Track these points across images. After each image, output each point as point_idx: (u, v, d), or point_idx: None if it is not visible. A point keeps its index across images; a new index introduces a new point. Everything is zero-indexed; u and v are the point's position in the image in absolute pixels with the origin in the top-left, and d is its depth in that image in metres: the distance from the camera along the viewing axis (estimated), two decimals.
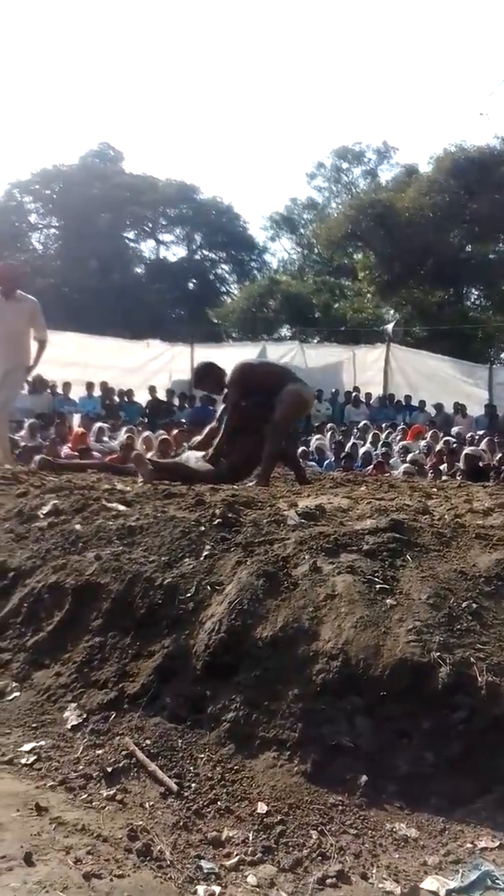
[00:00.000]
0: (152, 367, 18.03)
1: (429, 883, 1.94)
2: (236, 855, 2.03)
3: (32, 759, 2.43)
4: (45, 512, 3.85)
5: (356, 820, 2.18)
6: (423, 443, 12.46)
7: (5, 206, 35.50)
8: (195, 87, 67.95)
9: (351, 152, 35.44)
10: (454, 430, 13.83)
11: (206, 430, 6.35)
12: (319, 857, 2.04)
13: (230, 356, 12.37)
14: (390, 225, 26.28)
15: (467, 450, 10.35)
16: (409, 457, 10.75)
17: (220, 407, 6.18)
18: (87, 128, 72.38)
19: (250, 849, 2.06)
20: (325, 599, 2.71)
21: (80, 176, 35.36)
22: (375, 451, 11.57)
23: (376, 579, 2.79)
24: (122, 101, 70.52)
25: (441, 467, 10.33)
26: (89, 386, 15.43)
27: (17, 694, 2.86)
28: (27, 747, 2.50)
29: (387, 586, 2.76)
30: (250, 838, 2.10)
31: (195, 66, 72.11)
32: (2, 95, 65.90)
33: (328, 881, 1.94)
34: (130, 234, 38.48)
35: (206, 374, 6.19)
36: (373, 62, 65.05)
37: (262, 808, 2.21)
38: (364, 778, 2.28)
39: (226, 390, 5.90)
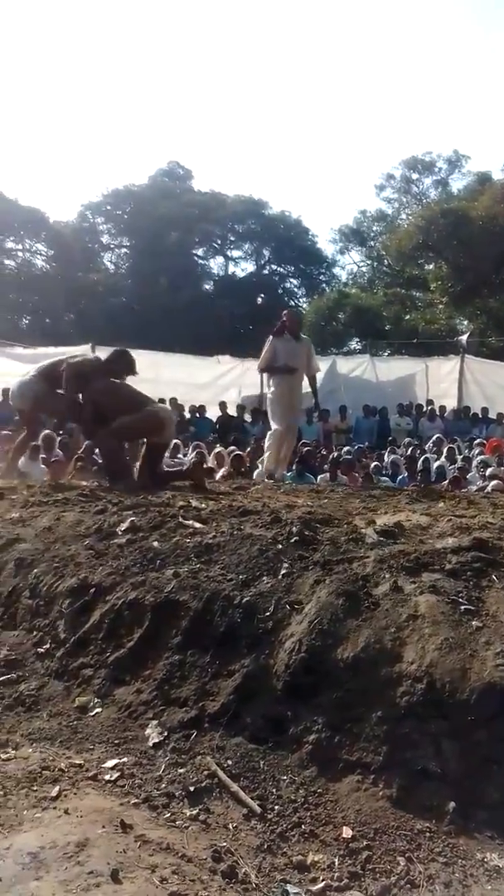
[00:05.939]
0: (222, 382, 18.11)
1: None
2: (322, 880, 2.00)
3: (116, 775, 2.45)
4: (123, 529, 3.90)
5: (445, 848, 2.12)
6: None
7: (79, 227, 36.64)
8: (263, 102, 68.86)
9: (421, 162, 35.14)
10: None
11: None
12: (408, 885, 1.99)
13: None
14: (463, 234, 25.91)
15: None
16: (489, 471, 10.50)
17: None
18: (156, 147, 74.08)
19: (336, 874, 2.02)
20: (408, 620, 2.65)
21: (150, 195, 36.21)
22: (450, 465, 11.34)
23: (461, 600, 2.72)
24: (191, 119, 72.01)
25: None
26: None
27: (99, 710, 2.90)
28: (110, 764, 2.53)
29: (472, 607, 2.69)
30: (336, 863, 2.07)
31: (263, 82, 73.03)
32: (74, 120, 68.07)
33: None
34: (199, 252, 39.09)
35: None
36: (443, 71, 64.60)
37: (347, 832, 2.17)
38: (452, 804, 2.21)
39: None
